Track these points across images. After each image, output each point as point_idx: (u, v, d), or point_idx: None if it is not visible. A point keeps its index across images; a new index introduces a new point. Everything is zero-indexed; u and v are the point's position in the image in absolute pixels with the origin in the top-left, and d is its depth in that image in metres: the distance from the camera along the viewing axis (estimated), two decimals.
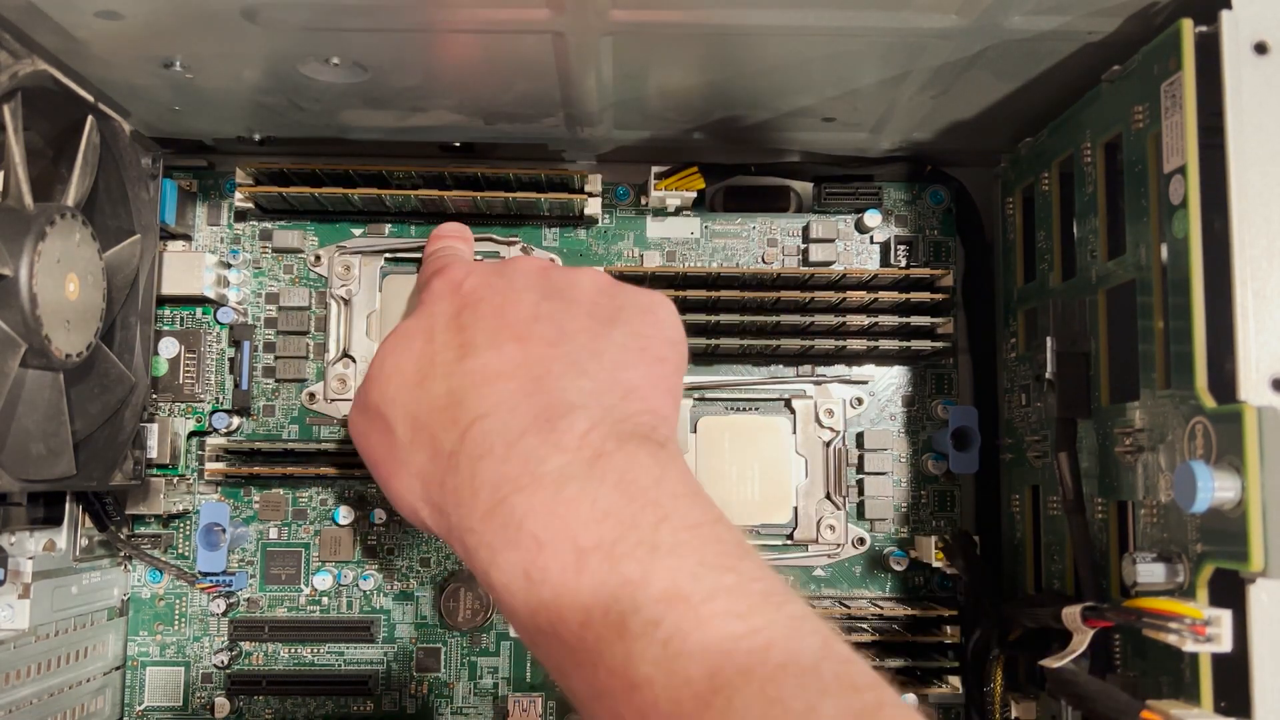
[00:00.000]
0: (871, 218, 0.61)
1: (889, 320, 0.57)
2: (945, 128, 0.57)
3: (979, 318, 0.61)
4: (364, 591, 0.60)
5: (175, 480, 0.59)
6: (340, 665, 0.60)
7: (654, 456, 0.34)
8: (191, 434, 0.59)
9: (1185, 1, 0.41)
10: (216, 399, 0.60)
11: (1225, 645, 0.35)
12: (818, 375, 0.61)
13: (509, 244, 0.61)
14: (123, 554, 0.58)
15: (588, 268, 0.43)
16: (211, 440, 0.59)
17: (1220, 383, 0.37)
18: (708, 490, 0.34)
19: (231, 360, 0.60)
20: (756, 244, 0.62)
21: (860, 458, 0.60)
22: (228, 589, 0.59)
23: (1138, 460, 0.43)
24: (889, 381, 0.61)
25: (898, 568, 0.60)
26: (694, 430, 0.60)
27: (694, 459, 0.60)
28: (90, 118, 0.47)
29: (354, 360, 0.59)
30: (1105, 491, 0.46)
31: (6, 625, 0.48)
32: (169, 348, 0.59)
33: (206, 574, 0.57)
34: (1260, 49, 0.37)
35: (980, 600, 0.55)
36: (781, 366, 0.61)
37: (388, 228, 0.61)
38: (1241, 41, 0.37)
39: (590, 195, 0.58)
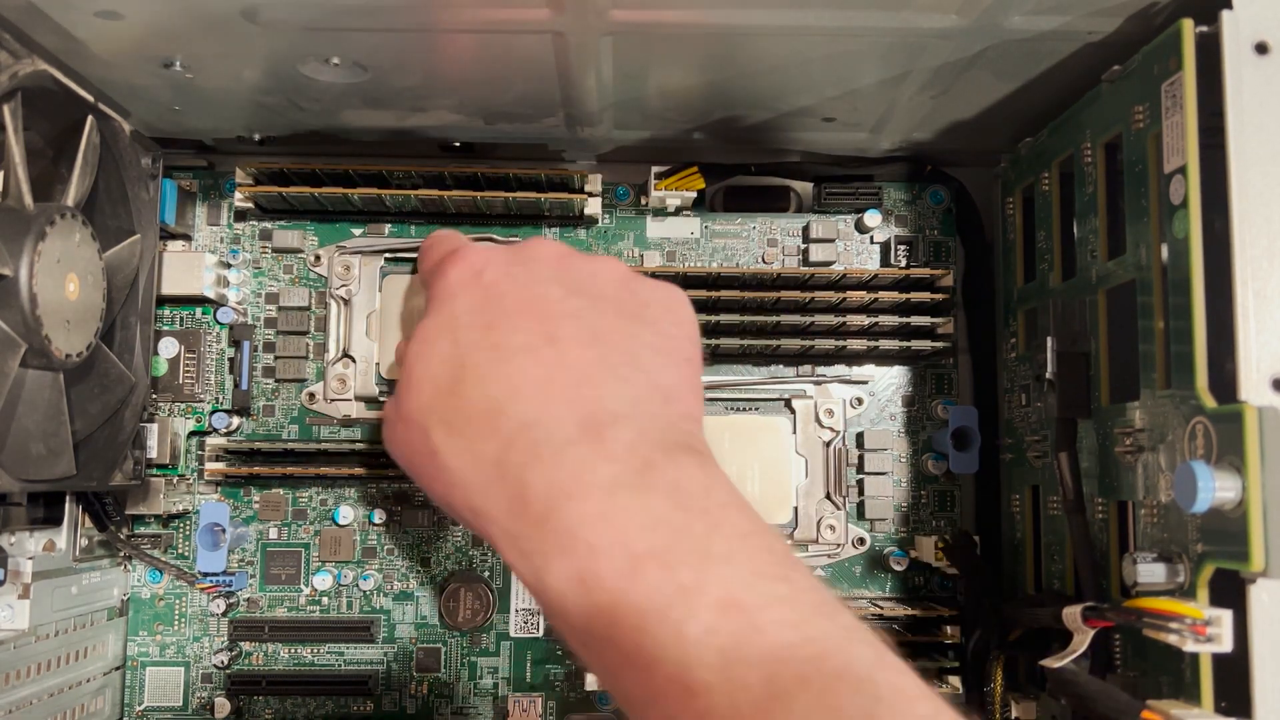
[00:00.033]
0: (871, 218, 0.61)
1: (889, 320, 0.57)
2: (945, 128, 0.57)
3: (979, 318, 0.61)
4: (364, 591, 0.60)
5: (175, 480, 0.59)
6: (340, 665, 0.60)
7: (701, 467, 0.34)
8: (191, 434, 0.59)
9: (1185, 1, 0.41)
10: (216, 399, 0.60)
11: (1226, 645, 0.35)
12: (818, 375, 0.61)
13: (509, 244, 0.61)
14: (123, 554, 0.58)
15: (603, 257, 0.43)
16: (211, 440, 0.59)
17: (1221, 383, 0.37)
18: None
19: (231, 360, 0.60)
20: (756, 244, 0.62)
21: (860, 458, 0.60)
22: (228, 589, 0.59)
23: (1138, 460, 0.43)
24: (889, 381, 0.61)
25: (898, 568, 0.60)
26: None
27: None
28: (90, 118, 0.47)
29: (354, 360, 0.59)
30: (1105, 491, 0.46)
31: (6, 625, 0.48)
32: (169, 348, 0.59)
33: (206, 574, 0.57)
34: (1261, 49, 0.37)
35: (980, 600, 0.55)
36: (781, 366, 0.61)
37: (388, 228, 0.61)
38: (1242, 41, 0.37)
39: (590, 195, 0.58)
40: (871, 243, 0.62)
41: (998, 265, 0.61)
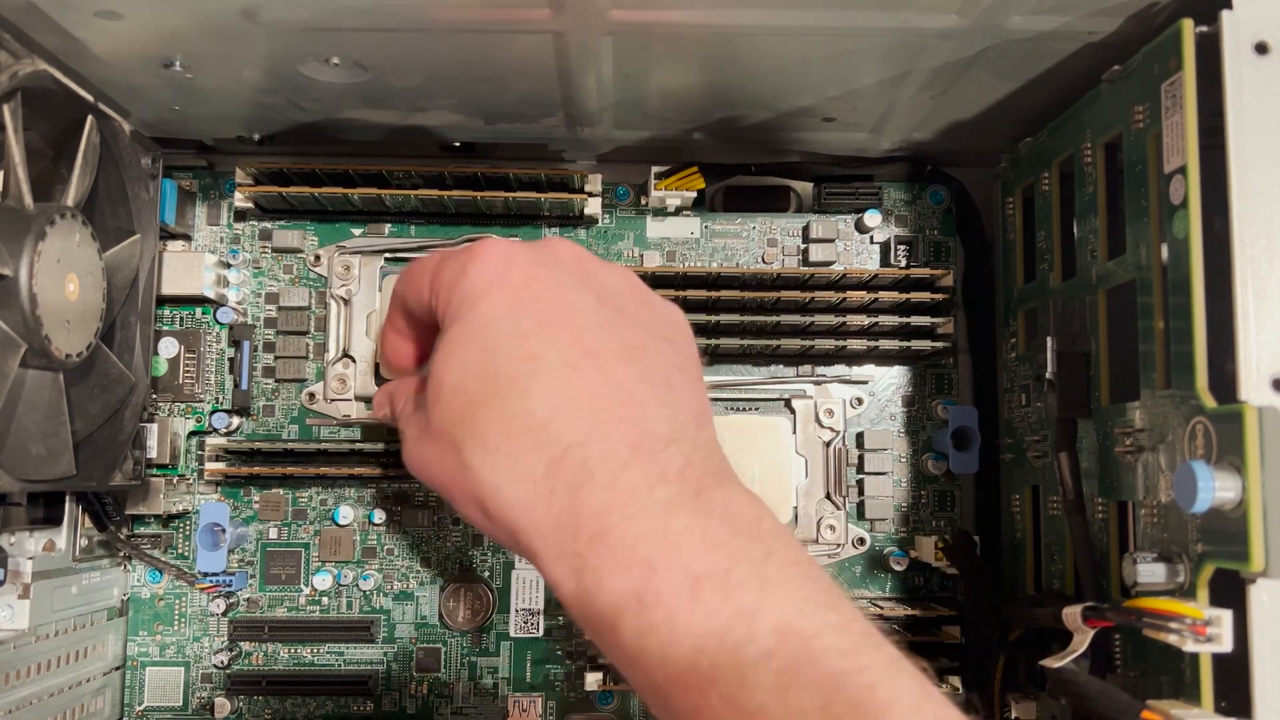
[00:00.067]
0: (871, 218, 0.61)
1: (889, 320, 0.57)
2: (945, 128, 0.57)
3: (979, 318, 0.61)
4: (364, 591, 0.60)
5: (175, 480, 0.59)
6: (340, 665, 0.60)
7: (748, 496, 0.35)
8: (191, 434, 0.59)
9: (1185, 1, 0.41)
10: (216, 399, 0.60)
11: (1226, 645, 0.35)
12: (818, 375, 0.61)
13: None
14: (122, 554, 0.58)
15: (613, 265, 0.42)
16: (211, 440, 0.59)
17: (1220, 383, 0.37)
18: None
19: (231, 360, 0.60)
20: (756, 244, 0.62)
21: (860, 458, 0.60)
22: (228, 589, 0.59)
23: (1138, 460, 0.43)
24: (889, 381, 0.61)
25: (898, 568, 0.60)
26: None
27: None
28: (90, 118, 0.47)
29: (354, 360, 0.59)
30: (1105, 491, 0.46)
31: (6, 625, 0.48)
32: (169, 348, 0.59)
33: (206, 574, 0.57)
34: (1261, 49, 0.37)
35: (980, 600, 0.55)
36: (781, 366, 0.61)
37: (388, 228, 0.61)
38: (1242, 41, 0.37)
39: (590, 195, 0.58)
40: (871, 243, 0.62)
41: (998, 265, 0.61)
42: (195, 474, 0.60)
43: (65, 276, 0.43)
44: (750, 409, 0.61)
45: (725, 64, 0.49)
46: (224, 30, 0.44)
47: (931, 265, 0.61)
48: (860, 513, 0.60)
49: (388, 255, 0.60)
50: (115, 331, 0.51)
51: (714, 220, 0.62)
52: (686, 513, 0.33)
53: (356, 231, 0.61)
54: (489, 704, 0.60)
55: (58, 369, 0.44)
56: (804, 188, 0.63)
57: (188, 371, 0.59)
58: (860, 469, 0.60)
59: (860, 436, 0.61)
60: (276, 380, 0.60)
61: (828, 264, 0.60)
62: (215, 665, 0.58)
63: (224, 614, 0.59)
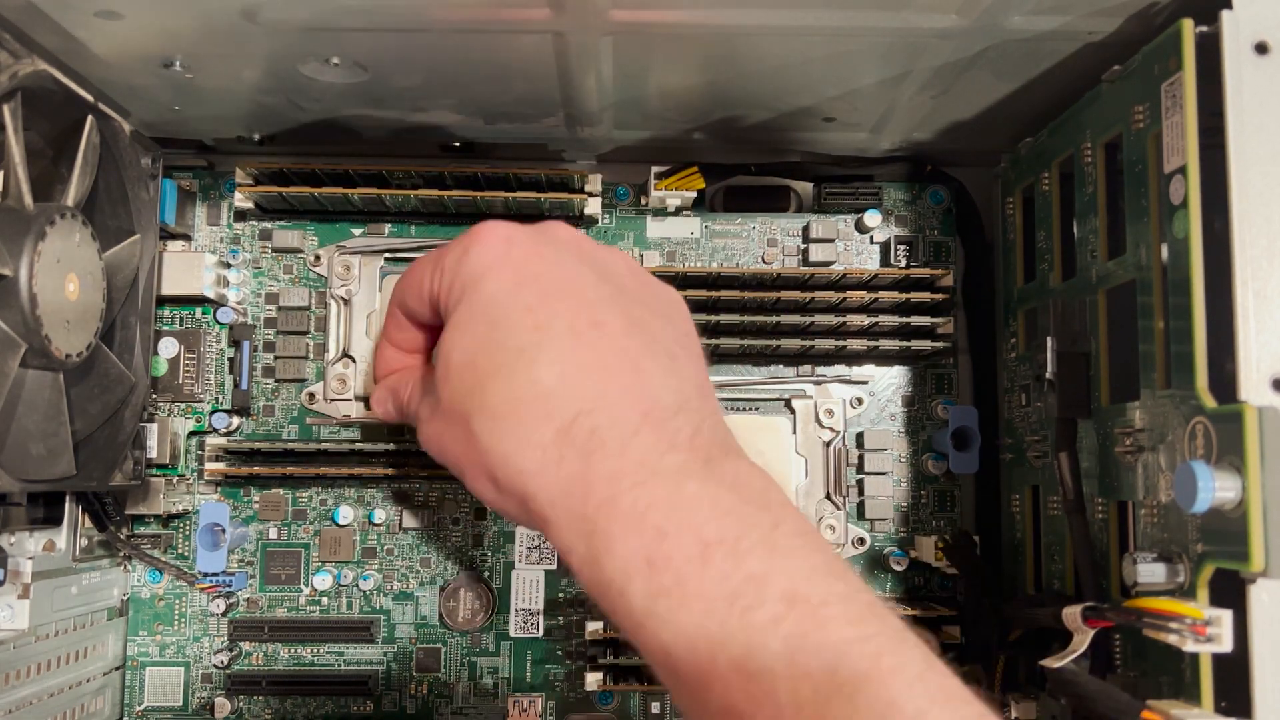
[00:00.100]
0: (871, 218, 0.61)
1: (889, 320, 0.57)
2: (945, 128, 0.57)
3: (979, 318, 0.61)
4: (364, 591, 0.60)
5: (175, 480, 0.59)
6: (340, 665, 0.60)
7: (755, 467, 0.35)
8: (191, 434, 0.59)
9: (1185, 1, 0.41)
10: (216, 399, 0.60)
11: (1226, 645, 0.35)
12: (818, 375, 0.61)
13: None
14: (122, 554, 0.58)
15: (612, 247, 0.43)
16: (211, 440, 0.59)
17: (1220, 383, 0.37)
18: None
19: (231, 360, 0.60)
20: (756, 244, 0.62)
21: (860, 458, 0.60)
22: (228, 589, 0.59)
23: (1138, 460, 0.43)
24: (889, 381, 0.61)
25: (898, 568, 0.60)
26: None
27: None
28: (90, 118, 0.47)
29: (354, 360, 0.59)
30: (1105, 491, 0.46)
31: (6, 625, 0.48)
32: (169, 348, 0.59)
33: (206, 574, 0.57)
34: (1261, 49, 0.37)
35: (980, 600, 0.55)
36: (781, 366, 0.61)
37: (388, 228, 0.61)
38: (1242, 41, 0.37)
39: (590, 195, 0.58)
40: (871, 243, 0.62)
41: (998, 265, 0.61)
42: (195, 474, 0.60)
43: (65, 276, 0.43)
44: (750, 409, 0.61)
45: (725, 64, 0.49)
46: (224, 30, 0.44)
47: (931, 265, 0.61)
48: (860, 513, 0.60)
49: (388, 255, 0.60)
50: (115, 331, 0.51)
51: (714, 220, 0.62)
52: (697, 480, 0.33)
53: (356, 231, 0.61)
54: (489, 704, 0.60)
55: (58, 369, 0.44)
56: (804, 188, 0.63)
57: (188, 371, 0.59)
58: (860, 469, 0.60)
59: (860, 436, 0.61)
60: (276, 380, 0.60)
61: (828, 264, 0.60)
62: (215, 665, 0.58)
63: (224, 614, 0.59)
